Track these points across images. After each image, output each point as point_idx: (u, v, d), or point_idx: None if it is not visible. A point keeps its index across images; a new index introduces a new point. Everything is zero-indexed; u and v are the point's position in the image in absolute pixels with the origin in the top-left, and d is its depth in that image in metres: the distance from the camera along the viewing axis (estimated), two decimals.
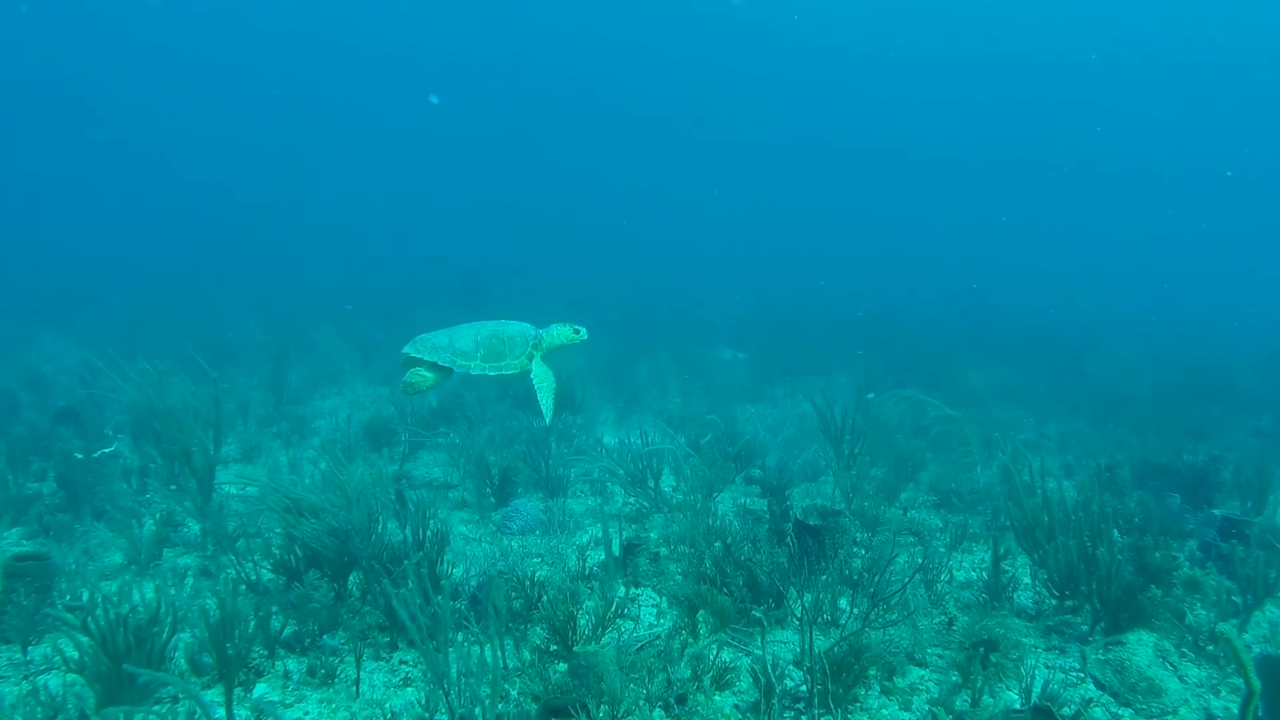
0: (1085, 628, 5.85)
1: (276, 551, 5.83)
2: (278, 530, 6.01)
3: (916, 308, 28.26)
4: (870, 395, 9.22)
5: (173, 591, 6.00)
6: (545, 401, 6.63)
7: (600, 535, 7.70)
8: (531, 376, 6.62)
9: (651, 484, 8.13)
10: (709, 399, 15.74)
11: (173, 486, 8.19)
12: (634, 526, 7.82)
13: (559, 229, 49.08)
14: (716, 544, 6.24)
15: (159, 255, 34.19)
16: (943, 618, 5.88)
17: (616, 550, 6.22)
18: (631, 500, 8.39)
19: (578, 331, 6.79)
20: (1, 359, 16.23)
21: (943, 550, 7.34)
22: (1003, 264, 48.42)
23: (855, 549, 6.87)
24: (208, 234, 40.90)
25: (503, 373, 6.46)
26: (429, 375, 6.43)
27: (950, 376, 17.14)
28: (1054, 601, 6.07)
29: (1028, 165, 61.05)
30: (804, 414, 15.04)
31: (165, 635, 4.56)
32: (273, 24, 50.22)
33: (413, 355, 6.48)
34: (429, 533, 5.84)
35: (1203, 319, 31.42)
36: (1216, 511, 7.26)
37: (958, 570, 6.86)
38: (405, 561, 5.25)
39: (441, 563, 5.86)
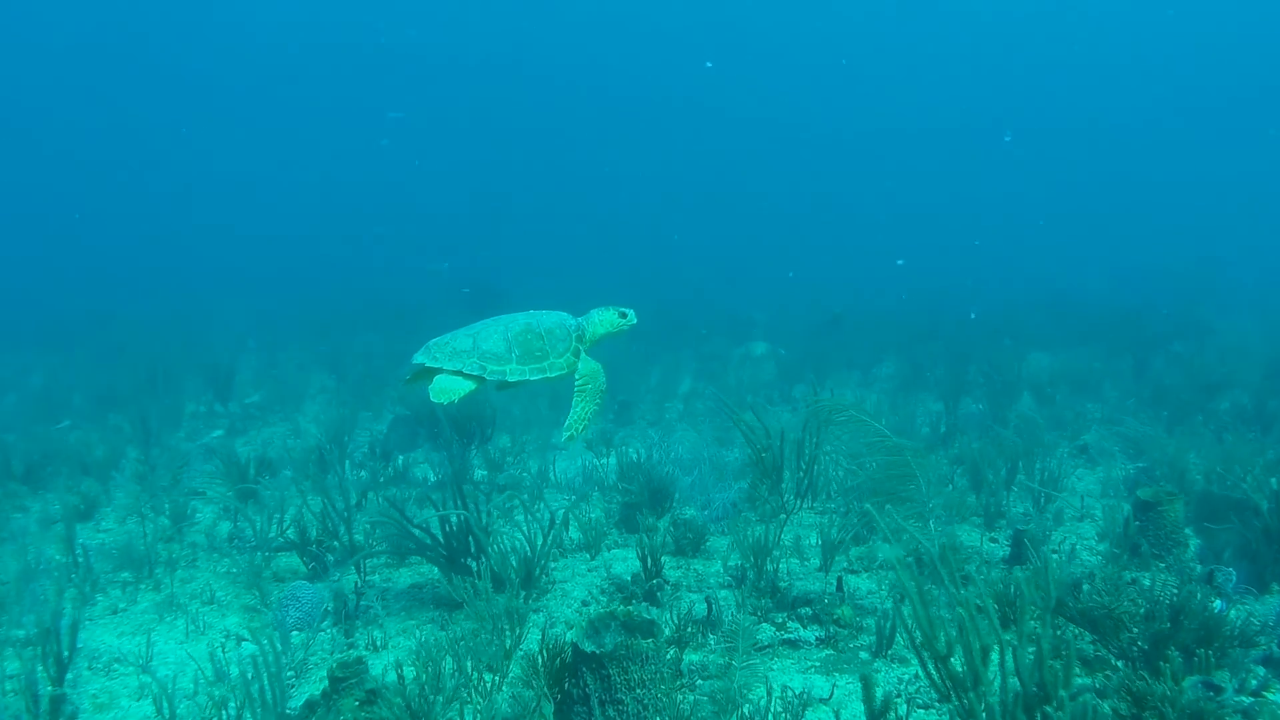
0: None
1: None
2: None
3: (982, 286, 25.01)
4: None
5: None
6: (582, 410, 5.31)
7: (411, 627, 5.55)
8: (575, 376, 5.34)
9: (473, 555, 5.86)
10: (719, 404, 13.47)
11: None
12: (428, 626, 5.59)
13: (586, 223, 46.73)
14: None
15: (175, 270, 33.60)
16: None
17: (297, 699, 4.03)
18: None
19: (625, 315, 5.59)
20: None
21: (865, 656, 4.86)
22: (1085, 233, 43.56)
23: (697, 670, 4.48)
24: (211, 250, 40.09)
25: (546, 375, 5.19)
26: (462, 381, 5.01)
27: (1010, 363, 14.26)
28: None
29: (1114, 118, 55.25)
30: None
31: None
32: (260, 29, 49.56)
33: (428, 365, 5.04)
34: None
35: None
36: None
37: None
38: None
39: None
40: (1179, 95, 52.47)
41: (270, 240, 43.52)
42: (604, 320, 5.54)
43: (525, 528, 6.02)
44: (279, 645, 5.18)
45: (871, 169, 59.25)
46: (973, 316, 20.08)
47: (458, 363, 5.02)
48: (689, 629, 4.92)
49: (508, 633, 4.71)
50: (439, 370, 5.05)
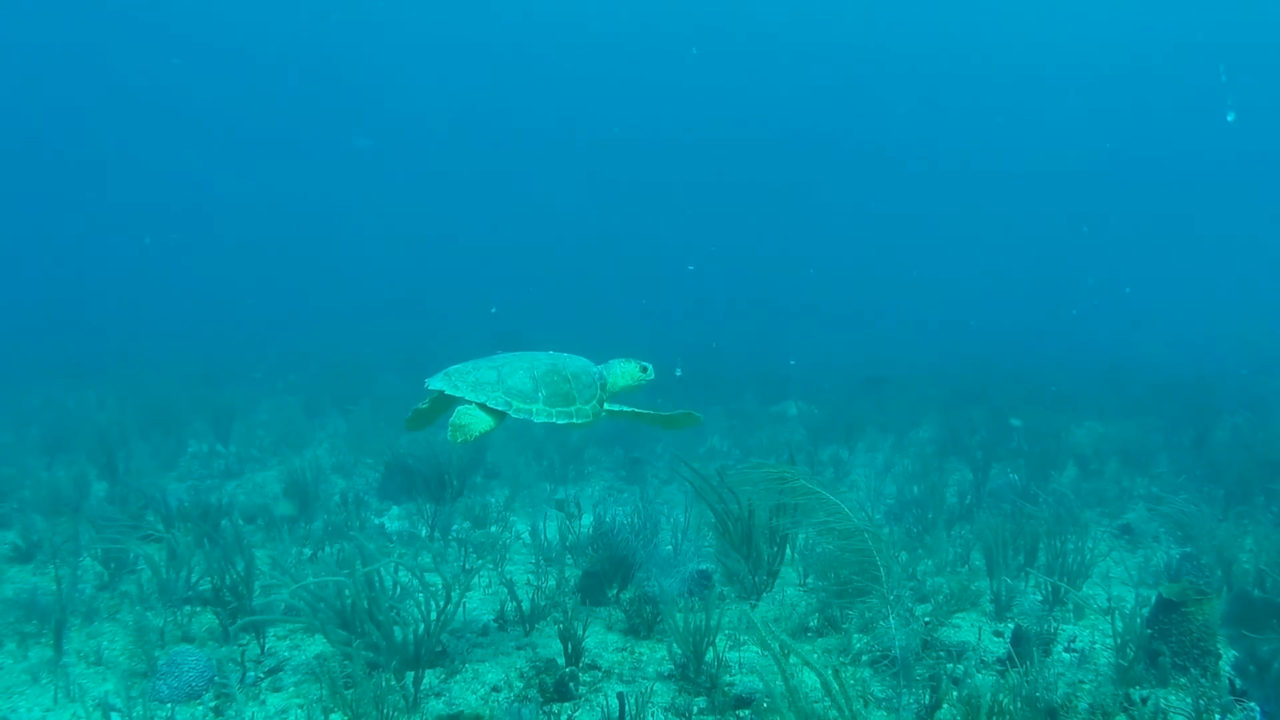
0: None
1: None
2: None
3: (1035, 345, 23.77)
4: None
5: None
6: (648, 413, 5.23)
7: (294, 706, 4.85)
8: (609, 408, 5.16)
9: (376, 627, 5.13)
10: (681, 464, 12.75)
11: None
12: (315, 706, 4.85)
13: (616, 271, 46.30)
14: None
15: (213, 310, 34.07)
16: None
17: None
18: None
19: (645, 370, 5.38)
20: None
21: None
22: (1153, 294, 41.54)
23: None
24: (247, 291, 40.47)
25: (573, 421, 4.82)
26: (484, 416, 4.53)
27: (1051, 431, 13.17)
28: None
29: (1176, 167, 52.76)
30: (854, 482, 11.69)
31: None
32: (303, 72, 50.53)
33: (447, 392, 4.57)
34: None
35: None
36: None
37: None
38: None
39: None
40: (1255, 147, 50.24)
41: (303, 283, 44.11)
42: (625, 372, 5.26)
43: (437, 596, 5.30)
44: None
45: (932, 221, 57.98)
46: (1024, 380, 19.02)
47: (481, 395, 4.51)
48: None
49: None
50: (457, 400, 4.54)
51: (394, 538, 8.88)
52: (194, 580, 6.25)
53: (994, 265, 51.41)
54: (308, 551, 8.11)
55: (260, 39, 47.85)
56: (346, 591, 5.06)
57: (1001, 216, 57.20)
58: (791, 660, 5.36)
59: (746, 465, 5.42)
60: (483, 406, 4.52)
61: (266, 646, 5.70)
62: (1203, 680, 4.43)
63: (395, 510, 10.07)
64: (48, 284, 42.57)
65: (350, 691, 4.07)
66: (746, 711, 4.54)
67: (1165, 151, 52.20)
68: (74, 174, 55.71)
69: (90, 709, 4.96)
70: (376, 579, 5.09)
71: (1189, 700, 4.14)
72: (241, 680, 5.16)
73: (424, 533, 8.82)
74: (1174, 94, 48.06)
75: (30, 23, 42.65)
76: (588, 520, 8.63)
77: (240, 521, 9.20)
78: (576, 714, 4.46)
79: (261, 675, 5.27)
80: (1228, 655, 5.10)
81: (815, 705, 4.05)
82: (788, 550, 7.14)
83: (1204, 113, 48.49)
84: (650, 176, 61.58)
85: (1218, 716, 3.84)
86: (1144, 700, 4.31)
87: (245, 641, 5.79)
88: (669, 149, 59.53)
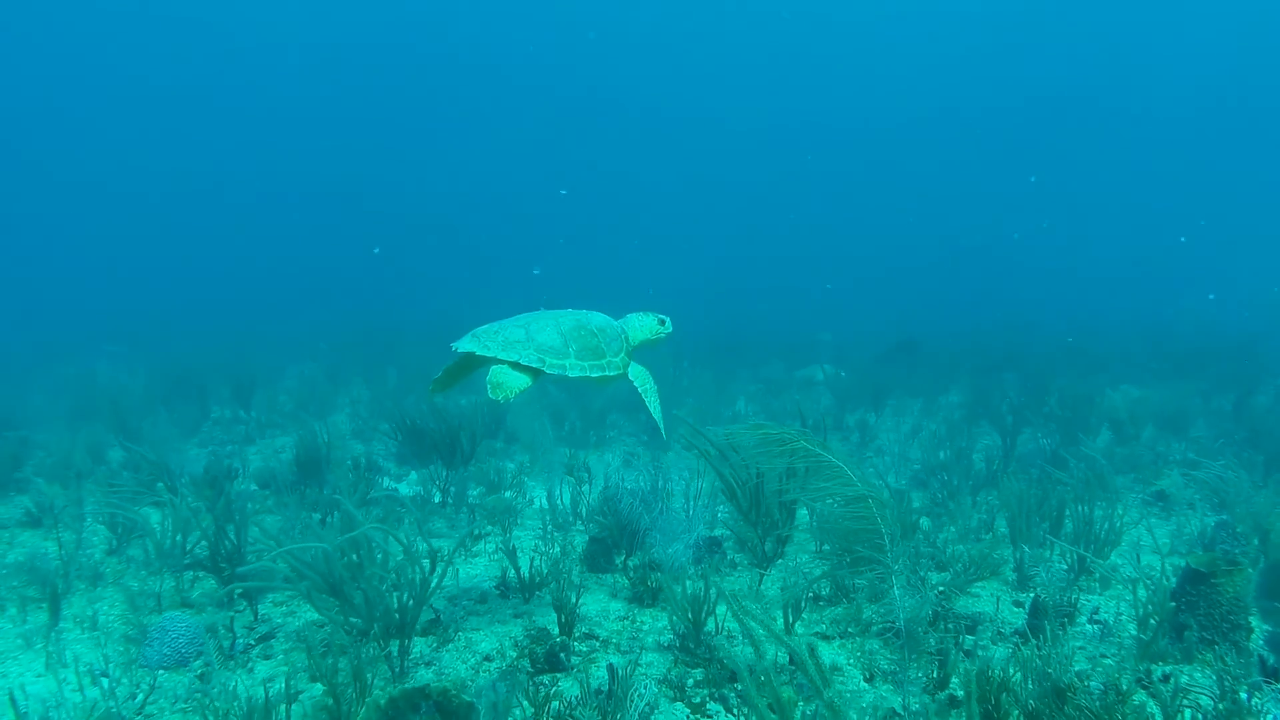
0: None
1: None
2: None
3: (1071, 311, 23.15)
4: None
5: None
6: (656, 406, 5.06)
7: (281, 674, 4.73)
8: (631, 378, 5.04)
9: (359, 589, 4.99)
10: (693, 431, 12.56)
11: None
12: (302, 674, 4.72)
13: (650, 238, 45.94)
14: None
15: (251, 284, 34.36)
16: None
17: None
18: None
19: (663, 322, 5.31)
20: None
21: None
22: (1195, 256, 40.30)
23: None
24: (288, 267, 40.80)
25: (605, 374, 4.75)
26: (520, 375, 4.43)
27: (1083, 395, 12.75)
28: None
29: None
30: (880, 447, 11.40)
31: None
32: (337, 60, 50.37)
33: (478, 353, 4.44)
34: None
35: None
36: None
37: None
38: None
39: None
40: None
41: (337, 257, 44.39)
42: (643, 326, 5.17)
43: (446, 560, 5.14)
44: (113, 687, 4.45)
45: (967, 186, 56.75)
46: (1070, 340, 18.51)
47: (513, 353, 4.38)
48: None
49: (350, 693, 3.84)
50: (486, 361, 4.40)
51: (406, 503, 8.77)
52: (190, 546, 6.14)
53: (1037, 227, 50.28)
54: (316, 516, 8.03)
55: (266, 23, 47.65)
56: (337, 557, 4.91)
57: (1042, 177, 55.89)
58: (798, 631, 5.16)
59: (742, 426, 5.15)
60: (515, 365, 4.39)
61: (261, 613, 5.60)
62: (1230, 657, 4.15)
63: (414, 475, 9.97)
64: (93, 259, 43.16)
65: (328, 660, 3.93)
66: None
67: (1197, 111, 50.46)
68: (111, 154, 56.29)
69: (79, 675, 4.89)
70: (365, 545, 4.94)
71: (1214, 678, 3.87)
72: (231, 647, 5.05)
73: (437, 498, 8.70)
74: (1217, 54, 46.23)
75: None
76: (601, 486, 8.48)
77: (253, 486, 9.24)
78: (560, 686, 4.29)
79: (252, 642, 5.17)
80: (1260, 630, 4.82)
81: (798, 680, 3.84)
82: (806, 517, 6.95)
83: (1239, 76, 46.71)
84: (673, 160, 61.13)
85: (1244, 696, 3.57)
86: (1165, 678, 4.05)
87: (241, 608, 5.71)
88: (681, 137, 59.15)
